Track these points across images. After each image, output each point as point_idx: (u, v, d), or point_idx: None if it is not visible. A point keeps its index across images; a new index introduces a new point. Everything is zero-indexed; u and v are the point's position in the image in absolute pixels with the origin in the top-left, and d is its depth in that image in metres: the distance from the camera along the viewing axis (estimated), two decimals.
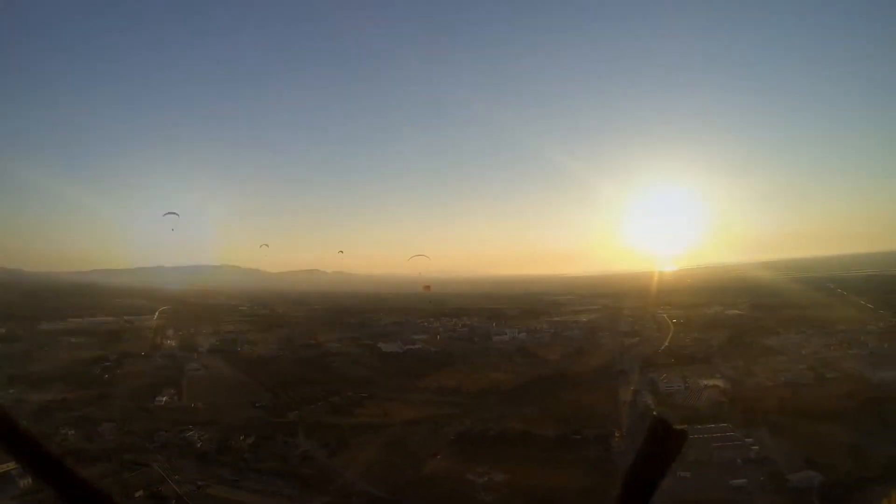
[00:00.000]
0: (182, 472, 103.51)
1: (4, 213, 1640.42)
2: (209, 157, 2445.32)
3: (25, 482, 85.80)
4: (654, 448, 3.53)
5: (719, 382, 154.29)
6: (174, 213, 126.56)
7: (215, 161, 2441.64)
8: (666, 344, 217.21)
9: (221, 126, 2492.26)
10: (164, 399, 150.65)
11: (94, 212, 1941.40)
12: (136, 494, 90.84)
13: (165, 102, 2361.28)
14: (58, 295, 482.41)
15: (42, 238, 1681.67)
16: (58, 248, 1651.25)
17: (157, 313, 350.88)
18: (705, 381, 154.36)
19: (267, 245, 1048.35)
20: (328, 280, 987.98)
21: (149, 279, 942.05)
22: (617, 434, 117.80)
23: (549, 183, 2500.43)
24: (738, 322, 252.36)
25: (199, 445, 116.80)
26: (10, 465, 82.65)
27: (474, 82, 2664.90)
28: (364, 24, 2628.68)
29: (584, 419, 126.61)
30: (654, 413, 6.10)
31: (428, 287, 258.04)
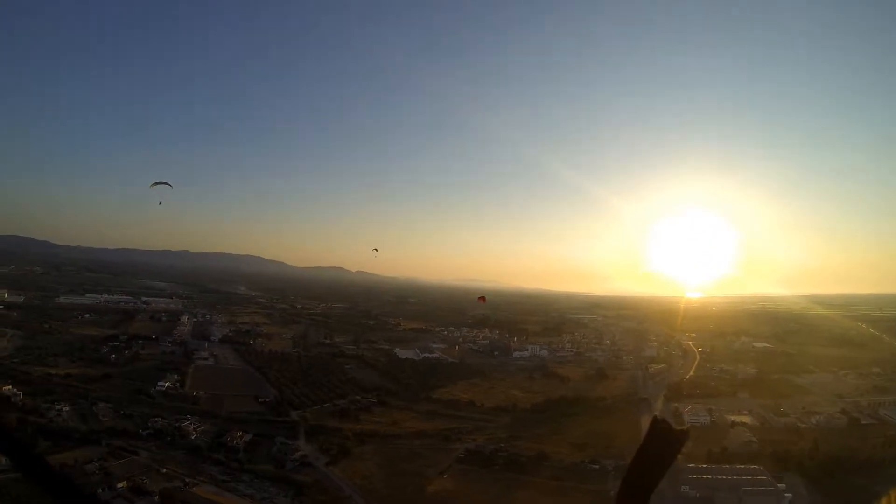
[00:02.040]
0: (171, 465, 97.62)
1: (37, 185, 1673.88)
2: (241, 148, 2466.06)
3: None
4: (654, 448, 3.63)
5: (747, 419, 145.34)
6: (165, 184, 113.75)
7: (247, 152, 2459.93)
8: (691, 373, 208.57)
9: (255, 117, 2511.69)
10: (167, 385, 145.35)
11: (126, 192, 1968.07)
12: (119, 485, 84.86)
13: (201, 96, 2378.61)
14: (82, 270, 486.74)
15: (75, 213, 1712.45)
16: (89, 223, 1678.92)
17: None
18: (732, 417, 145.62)
19: (377, 250, 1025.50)
20: (352, 279, 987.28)
21: (173, 262, 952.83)
22: None
23: (580, 201, 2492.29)
24: (767, 356, 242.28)
25: (193, 437, 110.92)
26: None
27: (508, 98, 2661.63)
28: (399, 28, 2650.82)
29: (603, 447, 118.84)
30: (655, 415, 2.96)
31: (483, 298, 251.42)
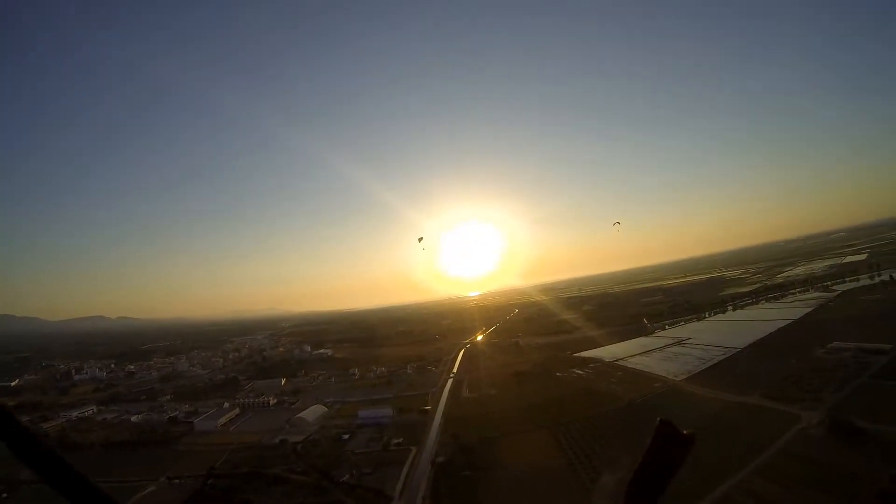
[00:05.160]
0: None
1: None
2: None
3: None
4: (660, 452, 3.60)
5: None
6: None
7: None
8: None
9: None
10: None
11: None
12: None
13: None
14: None
15: None
16: None
17: None
18: None
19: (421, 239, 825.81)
20: (112, 328, 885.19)
21: None
22: None
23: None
24: None
25: None
26: None
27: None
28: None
29: None
30: (659, 418, 3.32)
31: None
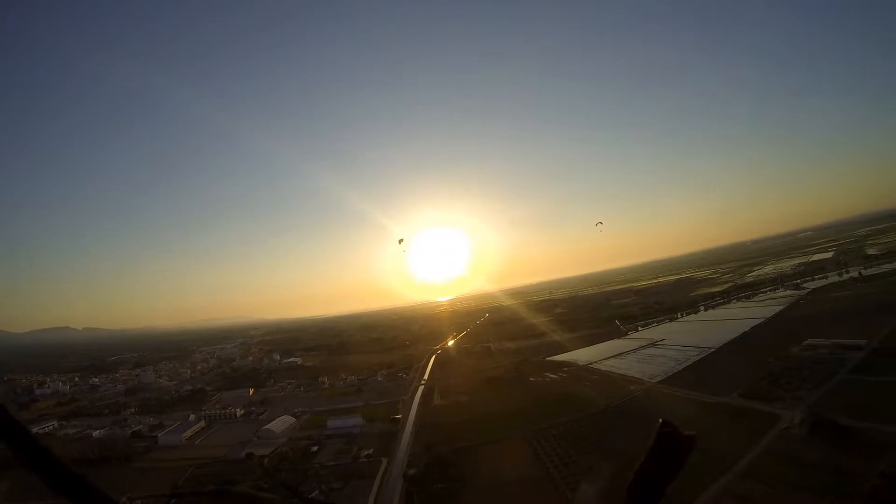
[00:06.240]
0: None
1: None
2: None
3: None
4: (661, 454, 3.58)
5: None
6: None
7: None
8: None
9: None
10: None
11: None
12: None
13: None
14: None
15: None
16: None
17: None
18: None
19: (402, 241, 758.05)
20: (78, 339, 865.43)
21: None
22: None
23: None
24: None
25: None
26: None
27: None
28: None
29: None
30: (661, 419, 3.44)
31: None
